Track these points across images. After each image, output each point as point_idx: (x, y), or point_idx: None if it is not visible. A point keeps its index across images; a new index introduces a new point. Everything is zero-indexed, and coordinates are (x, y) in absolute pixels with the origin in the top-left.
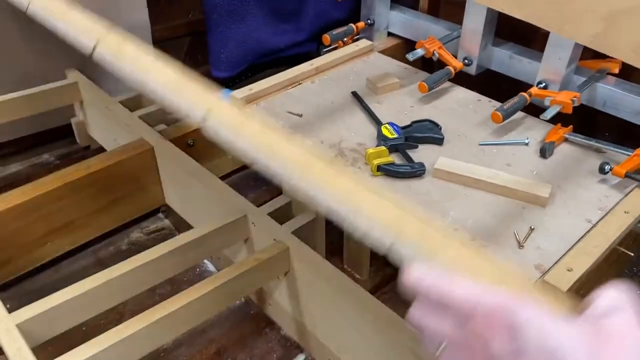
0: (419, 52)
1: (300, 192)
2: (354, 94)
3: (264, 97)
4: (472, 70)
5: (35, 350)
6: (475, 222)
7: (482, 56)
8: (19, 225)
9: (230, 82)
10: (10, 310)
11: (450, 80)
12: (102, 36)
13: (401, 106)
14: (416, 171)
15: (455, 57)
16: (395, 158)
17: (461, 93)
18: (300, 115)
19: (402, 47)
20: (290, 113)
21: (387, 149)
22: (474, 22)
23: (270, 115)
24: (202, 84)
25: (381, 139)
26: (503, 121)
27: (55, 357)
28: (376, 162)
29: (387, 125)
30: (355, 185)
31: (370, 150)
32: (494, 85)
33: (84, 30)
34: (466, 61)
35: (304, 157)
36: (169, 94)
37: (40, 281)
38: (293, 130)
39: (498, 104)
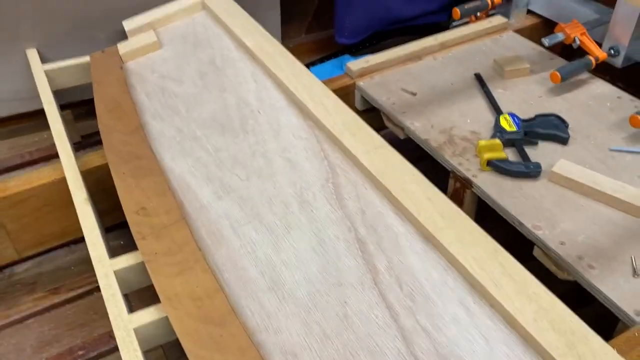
0: (558, 36)
1: None
2: (477, 76)
3: (379, 70)
4: (618, 62)
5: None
6: (587, 239)
7: (633, 47)
8: None
9: (353, 48)
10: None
11: (589, 71)
12: None
13: (527, 95)
14: (530, 172)
15: (600, 46)
16: (509, 154)
17: (599, 87)
18: (414, 94)
19: (541, 28)
20: (404, 90)
21: (502, 142)
22: (629, 6)
23: (384, 91)
24: None
25: (497, 130)
26: None
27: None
28: (487, 156)
29: (506, 115)
30: None
31: (483, 143)
32: None
33: None
34: (612, 51)
35: None
36: None
37: None
38: (404, 109)
39: None
